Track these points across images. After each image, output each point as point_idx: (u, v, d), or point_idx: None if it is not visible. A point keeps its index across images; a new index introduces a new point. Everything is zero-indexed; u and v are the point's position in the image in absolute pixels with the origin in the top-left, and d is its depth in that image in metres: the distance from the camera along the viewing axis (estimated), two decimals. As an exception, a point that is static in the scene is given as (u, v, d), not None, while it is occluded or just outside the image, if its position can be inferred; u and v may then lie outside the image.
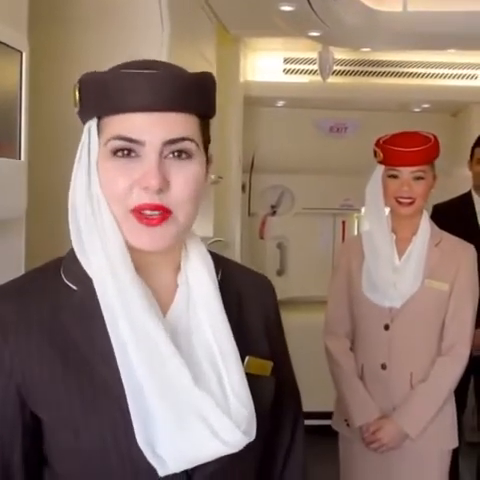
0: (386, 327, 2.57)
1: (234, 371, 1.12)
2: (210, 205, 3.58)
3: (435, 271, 2.57)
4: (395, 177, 2.57)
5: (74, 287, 1.14)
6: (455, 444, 2.63)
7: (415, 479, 2.58)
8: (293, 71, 4.72)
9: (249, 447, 1.10)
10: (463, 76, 4.67)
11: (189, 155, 1.10)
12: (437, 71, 4.66)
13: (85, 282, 1.13)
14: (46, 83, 2.17)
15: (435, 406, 2.52)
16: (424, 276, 2.56)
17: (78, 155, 1.15)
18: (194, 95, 1.11)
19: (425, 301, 2.55)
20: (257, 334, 1.24)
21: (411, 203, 2.56)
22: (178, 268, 1.18)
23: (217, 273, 1.21)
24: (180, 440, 1.06)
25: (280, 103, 4.93)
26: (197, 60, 3.19)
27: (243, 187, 5.19)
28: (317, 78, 4.53)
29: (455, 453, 2.73)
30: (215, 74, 3.54)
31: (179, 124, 1.09)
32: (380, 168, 2.62)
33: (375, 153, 2.63)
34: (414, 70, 4.68)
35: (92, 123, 1.13)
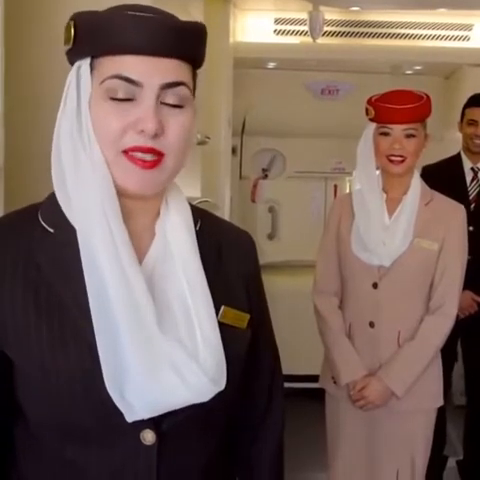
0: (374, 285, 2.57)
1: (206, 319, 1.12)
2: (197, 165, 3.53)
3: (425, 230, 2.57)
4: (387, 134, 2.56)
5: (51, 229, 1.14)
6: (440, 402, 2.66)
7: (400, 437, 2.60)
8: (284, 32, 4.65)
9: (219, 398, 1.10)
10: (456, 37, 4.61)
11: (183, 103, 1.11)
12: (429, 32, 4.60)
13: (63, 226, 1.13)
14: (25, 32, 2.11)
15: (421, 365, 2.53)
16: (414, 235, 2.56)
17: (64, 97, 1.14)
18: (190, 43, 1.12)
19: (414, 260, 2.56)
20: (235, 286, 1.24)
21: (402, 161, 2.55)
22: (157, 215, 1.19)
23: (196, 223, 1.21)
24: (149, 386, 1.05)
25: (271, 65, 4.87)
26: (183, 17, 3.12)
27: (234, 150, 5.15)
28: (308, 39, 4.46)
29: (443, 414, 2.75)
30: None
31: (175, 69, 1.10)
32: (371, 126, 2.62)
33: (367, 111, 2.62)
34: (406, 31, 4.62)
35: (83, 63, 1.11)
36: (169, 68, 1.10)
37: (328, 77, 5.01)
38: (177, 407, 1.08)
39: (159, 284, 1.14)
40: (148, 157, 1.09)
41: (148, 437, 1.10)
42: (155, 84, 1.08)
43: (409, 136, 2.54)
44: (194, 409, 1.10)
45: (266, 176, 5.34)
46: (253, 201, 5.30)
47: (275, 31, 4.65)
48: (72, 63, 1.14)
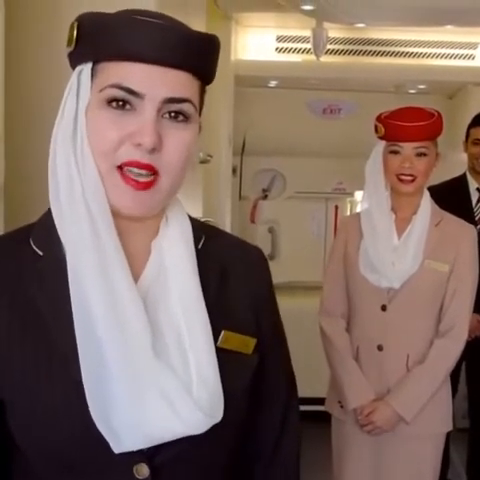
0: (383, 308, 2.51)
1: (201, 348, 1.05)
2: (199, 185, 3.45)
3: (435, 252, 2.51)
4: (397, 153, 2.50)
5: (40, 252, 1.08)
6: (449, 427, 2.60)
7: (408, 462, 2.53)
8: (286, 50, 4.58)
9: (218, 430, 1.02)
10: (460, 56, 4.54)
11: (186, 118, 1.04)
12: (434, 51, 4.53)
13: (54, 248, 1.06)
14: (24, 45, 2.02)
15: (431, 389, 2.46)
16: (424, 256, 2.49)
17: (62, 104, 1.08)
18: (202, 56, 1.05)
19: (424, 282, 2.49)
20: (240, 308, 1.16)
21: (412, 180, 2.49)
22: (155, 233, 1.11)
23: (198, 241, 1.14)
24: (137, 415, 0.99)
25: (272, 83, 4.81)
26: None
27: (234, 170, 5.08)
28: (311, 57, 4.39)
29: (446, 437, 2.67)
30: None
31: (182, 83, 1.03)
32: (381, 144, 2.56)
33: (376, 128, 2.56)
34: (410, 49, 4.55)
35: (85, 67, 1.05)
36: (175, 81, 1.02)
37: (330, 96, 4.95)
38: (168, 439, 1.01)
39: (152, 308, 1.06)
40: (143, 174, 1.02)
41: (142, 471, 1.03)
42: (158, 97, 1.01)
43: (420, 155, 2.48)
44: (189, 442, 1.02)
45: (266, 196, 5.26)
46: (253, 222, 5.22)
47: (277, 49, 4.59)
48: (73, 67, 1.08)
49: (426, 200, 2.57)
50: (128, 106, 1.02)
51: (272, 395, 1.25)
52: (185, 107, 1.03)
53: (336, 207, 5.27)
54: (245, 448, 1.23)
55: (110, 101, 1.02)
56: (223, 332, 1.10)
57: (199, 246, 1.14)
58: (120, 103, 1.01)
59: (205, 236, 1.17)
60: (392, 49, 4.55)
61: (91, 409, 0.98)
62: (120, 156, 1.02)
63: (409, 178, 2.48)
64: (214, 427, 1.02)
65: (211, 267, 1.13)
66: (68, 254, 1.04)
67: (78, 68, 1.06)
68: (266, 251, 5.27)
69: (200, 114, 1.10)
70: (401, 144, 2.48)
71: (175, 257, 1.09)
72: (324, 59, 4.47)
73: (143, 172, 1.01)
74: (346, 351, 2.56)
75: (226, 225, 4.21)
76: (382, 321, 2.50)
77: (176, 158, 1.03)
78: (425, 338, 2.49)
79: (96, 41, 1.02)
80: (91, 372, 0.99)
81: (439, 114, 2.52)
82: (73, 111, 1.05)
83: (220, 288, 1.14)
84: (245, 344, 1.13)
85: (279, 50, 4.59)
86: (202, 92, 1.10)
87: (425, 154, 2.48)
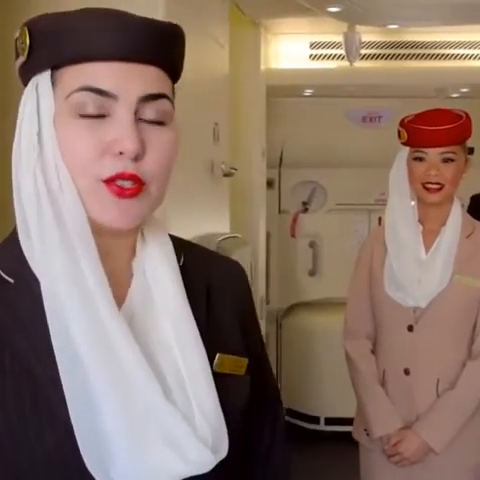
0: (410, 328, 2.31)
1: (198, 373, 0.96)
2: (225, 199, 3.31)
3: (466, 266, 2.30)
4: (421, 160, 2.31)
5: (10, 280, 0.96)
6: None
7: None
8: (320, 57, 4.42)
9: (221, 464, 0.95)
10: (506, 56, 4.31)
11: (165, 119, 0.95)
12: (476, 52, 4.30)
13: (25, 273, 0.95)
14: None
15: (463, 417, 2.26)
16: (453, 271, 2.29)
17: (18, 123, 0.96)
18: (171, 48, 0.97)
19: (454, 299, 2.28)
20: (230, 328, 1.09)
21: (439, 189, 2.30)
22: (133, 254, 1.02)
23: (179, 258, 1.05)
24: (139, 462, 0.89)
25: (308, 92, 4.65)
26: (206, 42, 2.93)
27: (272, 183, 4.95)
28: (346, 63, 4.22)
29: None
30: (229, 59, 3.32)
31: (155, 79, 0.95)
32: (405, 150, 2.38)
33: (399, 134, 2.38)
34: (450, 51, 4.34)
35: (40, 78, 0.94)
36: (148, 77, 0.93)
37: (369, 103, 4.77)
38: None
39: (140, 335, 0.95)
40: (127, 184, 0.92)
41: None
42: (132, 96, 0.91)
43: (446, 160, 2.29)
44: None
45: (306, 210, 5.10)
46: (293, 236, 5.07)
47: (311, 56, 4.43)
48: (26, 81, 0.97)
49: (456, 209, 2.37)
50: (102, 111, 0.91)
51: (262, 414, 1.20)
52: (163, 104, 0.95)
53: (379, 219, 5.03)
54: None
55: (80, 108, 0.91)
56: (218, 355, 1.02)
57: (180, 263, 1.04)
58: (92, 109, 0.91)
59: (184, 252, 1.08)
60: (431, 52, 4.35)
61: (85, 459, 0.88)
62: (102, 170, 0.91)
63: (436, 186, 2.29)
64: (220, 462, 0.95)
65: (196, 285, 1.05)
66: (41, 280, 0.93)
67: (33, 80, 0.95)
68: (307, 266, 5.15)
69: None
70: (426, 150, 2.29)
71: (159, 278, 1.00)
72: (360, 64, 4.31)
73: (128, 183, 0.92)
74: (371, 376, 2.38)
75: (259, 239, 4.07)
76: (409, 343, 2.30)
77: (161, 164, 0.95)
78: (456, 361, 2.29)
79: (52, 45, 0.92)
80: (82, 418, 0.89)
81: (467, 115, 2.33)
82: (35, 127, 0.94)
83: (208, 307, 1.06)
84: (239, 365, 1.06)
85: (313, 57, 4.43)
86: (173, 91, 1.00)
87: (452, 160, 2.29)
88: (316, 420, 4.88)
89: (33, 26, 0.94)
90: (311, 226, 5.08)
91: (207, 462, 0.92)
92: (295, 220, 5.07)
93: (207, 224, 2.95)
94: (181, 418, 0.92)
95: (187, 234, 2.68)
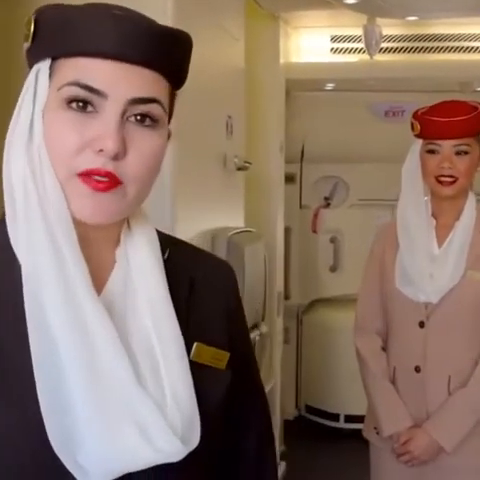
0: (421, 324, 2.26)
1: (174, 359, 0.97)
2: (240, 193, 3.27)
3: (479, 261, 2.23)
4: (434, 152, 2.27)
5: None
6: None
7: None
8: (341, 50, 4.36)
9: (193, 455, 0.94)
10: None
11: (154, 122, 0.95)
12: (502, 44, 4.21)
13: (6, 257, 0.97)
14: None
15: (475, 415, 2.21)
16: (466, 267, 2.23)
17: (18, 105, 0.98)
18: (170, 53, 0.96)
19: (466, 295, 2.23)
20: (212, 322, 1.09)
21: (453, 182, 2.25)
22: (117, 243, 1.03)
23: (164, 252, 1.06)
24: (107, 447, 0.89)
25: (329, 86, 4.60)
26: (218, 35, 2.89)
27: (293, 178, 4.91)
28: (368, 57, 4.15)
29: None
30: (245, 53, 3.29)
31: (150, 83, 0.94)
32: (418, 143, 2.34)
33: (412, 126, 2.34)
34: (476, 44, 4.24)
35: (42, 65, 0.96)
36: (141, 79, 0.93)
37: (392, 97, 4.69)
38: (140, 469, 0.92)
39: (119, 319, 0.97)
40: (105, 179, 0.92)
41: None
42: (122, 97, 0.92)
43: (460, 153, 2.24)
44: (162, 470, 0.93)
45: (328, 205, 5.05)
46: (314, 231, 5.02)
47: (332, 49, 4.37)
48: (31, 65, 0.99)
49: (471, 203, 2.32)
50: (90, 107, 0.92)
51: (246, 419, 1.18)
52: (153, 109, 0.94)
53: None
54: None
55: (70, 101, 0.93)
56: (196, 344, 1.03)
57: (165, 257, 1.05)
58: (81, 104, 0.92)
59: (170, 248, 1.08)
60: (456, 44, 4.26)
61: (53, 442, 0.88)
62: (80, 163, 0.92)
63: (449, 180, 2.24)
64: (191, 452, 0.94)
65: (179, 278, 1.06)
66: (23, 268, 0.94)
67: (36, 66, 0.97)
68: (328, 262, 5.10)
69: (169, 121, 1.01)
70: (439, 142, 2.25)
71: (142, 266, 1.01)
72: (383, 58, 4.24)
73: (104, 179, 0.92)
74: (381, 373, 2.34)
75: (277, 235, 4.02)
76: (420, 339, 2.26)
77: (141, 167, 0.94)
78: (468, 358, 2.23)
79: (53, 36, 0.94)
80: (51, 401, 0.89)
81: (482, 106, 2.27)
82: (30, 113, 0.96)
83: (190, 299, 1.07)
84: (218, 358, 1.06)
85: (334, 51, 4.37)
86: (172, 96, 1.00)
87: (466, 152, 2.24)
88: (336, 417, 4.83)
89: (40, 15, 0.96)
90: (332, 221, 5.04)
91: (176, 451, 0.91)
92: (316, 215, 5.02)
93: (219, 218, 2.92)
94: (152, 405, 0.91)
95: (196, 227, 2.68)
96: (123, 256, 1.02)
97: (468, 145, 2.24)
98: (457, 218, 2.30)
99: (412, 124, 2.33)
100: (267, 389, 3.29)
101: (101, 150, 0.91)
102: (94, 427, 0.89)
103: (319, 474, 4.30)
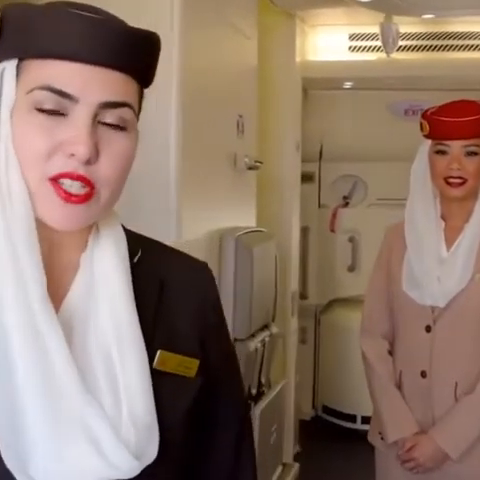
0: (428, 329, 2.22)
1: (133, 368, 0.94)
2: (251, 193, 3.25)
3: None
4: (443, 153, 2.22)
5: None
6: None
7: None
8: (360, 48, 4.32)
9: (152, 469, 0.92)
10: None
11: (125, 126, 0.94)
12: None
13: None
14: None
15: None
16: (475, 270, 2.18)
17: None
18: (142, 54, 0.95)
19: (474, 299, 2.18)
20: (182, 327, 1.05)
21: (462, 183, 2.20)
22: (85, 247, 1.01)
23: (134, 255, 1.03)
24: (60, 462, 0.88)
25: (347, 85, 4.55)
26: (228, 33, 2.87)
27: (311, 177, 4.87)
28: (390, 55, 4.10)
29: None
30: (258, 52, 3.26)
31: (121, 86, 0.93)
32: (426, 143, 2.29)
33: (421, 126, 2.29)
34: (496, 42, 4.18)
35: (8, 65, 0.93)
36: (113, 83, 0.92)
37: (412, 96, 4.63)
38: None
39: (82, 329, 0.95)
40: (75, 186, 0.90)
41: None
42: (93, 101, 0.90)
43: (470, 154, 2.20)
44: None
45: (347, 204, 5.00)
46: (332, 231, 4.98)
47: (350, 48, 4.33)
48: None
49: (481, 205, 2.27)
50: (61, 110, 0.90)
51: (221, 428, 1.14)
52: (124, 113, 0.93)
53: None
54: None
55: (40, 105, 0.90)
56: (159, 352, 1.00)
57: (135, 260, 1.03)
58: (51, 107, 0.90)
59: (142, 249, 1.06)
60: (476, 42, 4.19)
61: (4, 456, 0.86)
62: (51, 167, 0.90)
63: (458, 181, 2.20)
64: (148, 466, 0.92)
65: (149, 282, 1.03)
66: None
67: (1, 65, 0.94)
68: (346, 262, 5.05)
69: (138, 119, 0.99)
70: (448, 142, 2.20)
71: (106, 271, 0.99)
72: (402, 56, 4.20)
73: (76, 183, 0.90)
74: (387, 377, 2.30)
75: (292, 235, 3.99)
76: (426, 344, 2.21)
77: (115, 170, 0.93)
78: (476, 364, 2.18)
79: (20, 36, 0.91)
80: (2, 412, 0.87)
81: (492, 106, 2.22)
82: None
83: (159, 304, 1.04)
84: (186, 366, 1.02)
85: (352, 49, 4.33)
86: (141, 95, 0.99)
87: (476, 153, 2.19)
88: (352, 418, 4.79)
89: (7, 12, 0.93)
90: (351, 221, 4.98)
91: (129, 467, 0.89)
92: (335, 215, 4.98)
93: (229, 218, 2.90)
94: (105, 421, 0.90)
95: (204, 227, 2.67)
96: (88, 260, 0.99)
97: (478, 146, 2.19)
98: (467, 220, 2.25)
99: (421, 124, 2.30)
100: (277, 389, 3.28)
101: (72, 155, 0.89)
102: (46, 442, 0.88)
103: (333, 475, 4.27)
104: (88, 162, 0.90)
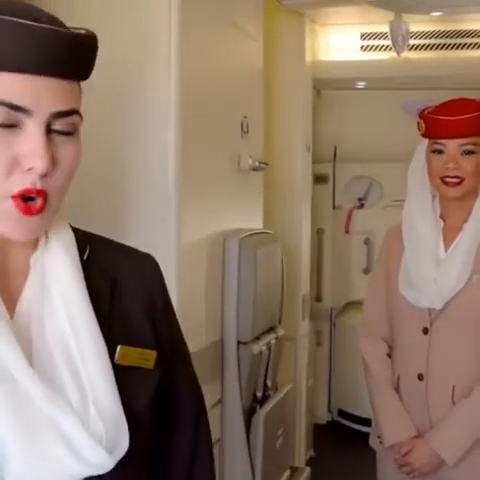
0: (425, 331, 2.18)
1: (95, 365, 0.96)
2: (257, 195, 3.22)
3: None
4: (440, 152, 2.20)
5: None
6: None
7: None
8: (372, 48, 4.27)
9: (125, 463, 0.94)
10: None
11: (73, 131, 0.95)
12: None
13: None
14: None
15: (479, 427, 2.11)
16: (472, 271, 2.14)
17: None
18: (85, 58, 0.96)
19: (472, 301, 2.14)
20: (136, 320, 1.08)
21: (459, 183, 2.17)
22: (35, 248, 1.02)
23: (83, 252, 1.05)
24: (34, 463, 0.89)
25: (360, 84, 4.51)
26: (233, 35, 2.85)
27: (325, 178, 4.84)
28: (402, 55, 4.05)
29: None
30: (266, 52, 3.23)
31: (69, 93, 0.93)
32: (424, 143, 2.26)
33: (418, 125, 2.26)
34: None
35: None
36: (62, 92, 0.92)
37: (426, 95, 4.55)
38: None
39: (37, 331, 0.96)
40: (33, 200, 0.91)
41: None
42: (45, 112, 0.90)
43: (467, 153, 2.16)
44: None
45: (362, 205, 4.96)
46: (347, 232, 4.94)
47: (362, 47, 4.29)
48: None
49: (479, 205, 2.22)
50: (13, 122, 0.89)
51: (180, 411, 1.17)
52: (74, 119, 0.94)
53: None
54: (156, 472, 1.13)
55: None
56: (119, 347, 1.01)
57: (84, 257, 1.04)
58: (4, 121, 0.89)
59: (90, 246, 1.07)
60: (488, 40, 4.13)
61: None
62: (12, 184, 0.90)
63: (455, 180, 2.16)
64: (119, 460, 0.93)
65: (100, 279, 1.05)
66: None
67: None
68: (361, 264, 5.00)
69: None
70: (444, 141, 2.17)
71: (58, 271, 1.00)
72: (414, 55, 4.14)
73: (36, 202, 0.91)
74: (385, 381, 2.27)
75: (303, 237, 3.96)
76: (423, 346, 2.17)
77: (67, 176, 0.95)
78: (473, 367, 2.14)
79: None
80: None
81: (490, 104, 2.18)
82: None
83: (112, 300, 1.06)
84: (145, 358, 1.04)
85: (364, 48, 4.29)
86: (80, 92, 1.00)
87: (473, 152, 2.16)
88: (368, 422, 4.72)
89: None
90: (366, 222, 4.94)
91: (102, 462, 0.91)
92: (349, 216, 4.94)
93: (234, 219, 2.87)
94: (73, 418, 0.91)
95: (207, 228, 2.64)
96: (39, 262, 1.00)
97: (475, 144, 2.15)
98: (465, 220, 2.21)
99: (418, 123, 2.27)
100: (283, 392, 3.24)
101: (31, 169, 0.89)
102: (18, 445, 0.88)
103: (351, 478, 4.22)
104: (45, 175, 0.90)
